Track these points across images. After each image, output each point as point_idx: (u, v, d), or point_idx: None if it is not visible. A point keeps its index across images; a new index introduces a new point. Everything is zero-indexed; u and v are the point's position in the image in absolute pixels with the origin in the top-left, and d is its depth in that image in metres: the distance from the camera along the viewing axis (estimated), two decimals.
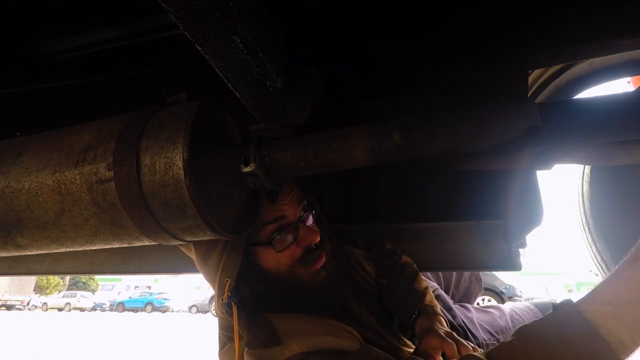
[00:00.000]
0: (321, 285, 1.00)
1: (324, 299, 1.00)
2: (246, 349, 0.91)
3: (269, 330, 0.89)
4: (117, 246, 0.80)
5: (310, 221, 1.02)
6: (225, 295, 0.93)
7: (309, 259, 0.98)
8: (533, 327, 0.66)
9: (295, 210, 0.99)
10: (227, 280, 0.94)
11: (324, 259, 1.00)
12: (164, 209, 0.68)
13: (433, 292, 1.48)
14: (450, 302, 1.56)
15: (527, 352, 0.63)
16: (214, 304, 1.03)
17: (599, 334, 0.57)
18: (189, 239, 0.77)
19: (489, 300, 8.72)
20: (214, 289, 0.99)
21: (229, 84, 0.73)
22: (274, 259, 0.98)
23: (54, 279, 35.21)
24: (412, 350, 1.06)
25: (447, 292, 1.74)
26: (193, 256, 1.04)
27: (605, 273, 1.67)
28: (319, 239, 0.99)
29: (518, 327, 0.69)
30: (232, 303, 0.94)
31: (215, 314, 1.07)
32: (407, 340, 1.11)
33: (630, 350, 0.56)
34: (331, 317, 0.96)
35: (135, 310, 25.85)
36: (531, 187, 1.15)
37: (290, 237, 0.96)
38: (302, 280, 0.99)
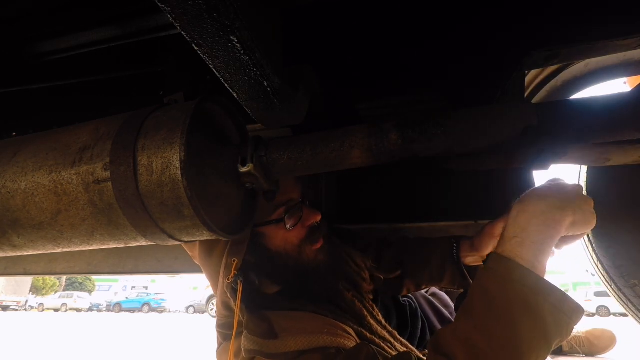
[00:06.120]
0: (322, 264, 1.05)
1: (325, 278, 1.05)
2: (245, 332, 0.92)
3: (266, 324, 0.91)
4: (114, 246, 0.80)
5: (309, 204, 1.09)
6: (232, 274, 0.95)
7: (313, 237, 1.05)
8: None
9: (298, 193, 1.07)
10: (234, 260, 0.97)
11: (322, 242, 1.06)
12: (161, 209, 0.68)
13: (427, 291, 1.49)
14: (448, 299, 1.56)
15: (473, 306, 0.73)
16: (212, 303, 1.03)
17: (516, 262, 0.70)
18: (186, 239, 0.77)
19: None
20: (218, 278, 1.01)
21: (226, 84, 0.72)
22: (282, 239, 1.03)
23: (51, 279, 34.98)
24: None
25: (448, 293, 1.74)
26: (196, 252, 1.07)
27: (601, 273, 1.68)
28: (320, 217, 1.07)
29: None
30: (239, 281, 0.95)
31: (213, 314, 1.08)
32: (403, 340, 1.11)
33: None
34: (328, 315, 0.97)
35: (132, 310, 25.74)
36: (528, 187, 1.15)
37: (295, 217, 1.03)
38: (308, 258, 1.04)
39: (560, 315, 0.67)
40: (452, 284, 1.17)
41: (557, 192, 0.74)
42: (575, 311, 0.68)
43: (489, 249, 1.04)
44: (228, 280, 0.96)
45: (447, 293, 1.75)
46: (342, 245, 1.23)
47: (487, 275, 0.73)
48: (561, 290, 0.68)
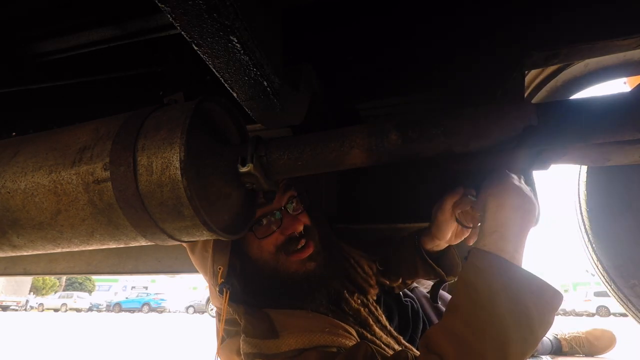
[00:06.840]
0: (309, 276, 1.01)
1: (311, 291, 1.00)
2: (242, 335, 0.91)
3: (266, 323, 0.90)
4: (114, 246, 0.80)
5: (297, 211, 1.04)
6: (219, 281, 0.95)
7: (290, 247, 1.00)
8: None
9: (280, 198, 1.01)
10: (219, 268, 0.95)
11: (311, 250, 1.02)
12: (161, 209, 0.67)
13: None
14: (449, 296, 1.56)
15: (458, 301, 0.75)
16: (212, 304, 1.03)
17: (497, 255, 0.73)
18: (186, 239, 0.77)
19: None
20: (208, 278, 1.00)
21: (226, 84, 0.72)
22: (257, 246, 1.00)
23: (50, 279, 34.97)
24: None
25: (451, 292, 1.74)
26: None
27: (601, 273, 1.68)
28: (302, 228, 1.02)
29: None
30: (224, 289, 0.94)
31: (213, 314, 1.08)
32: (406, 343, 1.11)
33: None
34: (329, 314, 0.96)
35: (132, 310, 25.75)
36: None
37: (273, 225, 0.99)
38: (287, 269, 1.00)
39: (542, 301, 0.70)
40: (428, 276, 1.18)
41: (524, 186, 0.78)
42: (555, 297, 0.71)
43: (448, 233, 1.06)
44: (217, 288, 0.95)
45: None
46: (348, 251, 1.21)
47: (470, 270, 0.75)
48: (540, 278, 0.71)
